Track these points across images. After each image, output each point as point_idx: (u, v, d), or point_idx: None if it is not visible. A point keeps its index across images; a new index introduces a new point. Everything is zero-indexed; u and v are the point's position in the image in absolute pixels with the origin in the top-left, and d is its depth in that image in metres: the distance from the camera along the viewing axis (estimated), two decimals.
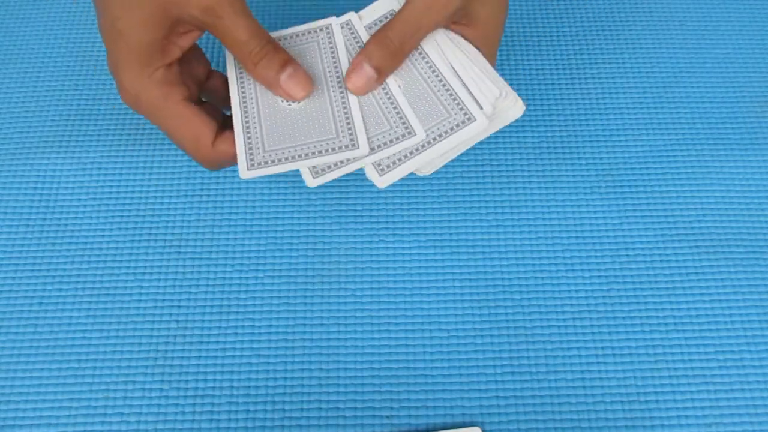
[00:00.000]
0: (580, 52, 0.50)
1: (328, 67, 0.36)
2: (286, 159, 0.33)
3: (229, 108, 0.36)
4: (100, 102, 0.48)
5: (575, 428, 0.38)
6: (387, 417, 0.39)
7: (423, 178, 0.45)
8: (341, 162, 0.34)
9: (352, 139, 0.34)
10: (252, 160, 0.34)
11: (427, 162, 0.35)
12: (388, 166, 0.34)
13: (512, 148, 0.46)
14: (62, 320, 0.41)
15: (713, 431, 0.38)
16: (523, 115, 0.47)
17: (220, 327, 0.41)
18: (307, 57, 0.37)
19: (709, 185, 0.45)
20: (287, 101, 0.35)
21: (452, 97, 0.35)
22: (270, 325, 0.41)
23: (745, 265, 0.43)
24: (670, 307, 0.41)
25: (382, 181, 0.34)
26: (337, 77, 0.36)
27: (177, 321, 0.41)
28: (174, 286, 0.42)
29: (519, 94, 0.48)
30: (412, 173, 0.35)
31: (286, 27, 0.38)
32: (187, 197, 0.45)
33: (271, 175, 0.45)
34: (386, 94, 0.35)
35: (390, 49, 0.34)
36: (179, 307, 0.42)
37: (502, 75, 0.49)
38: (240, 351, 0.40)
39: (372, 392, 0.39)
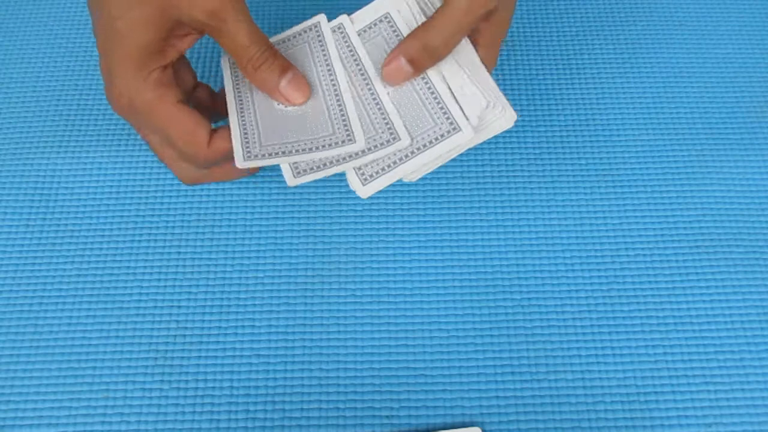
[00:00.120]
0: (580, 52, 0.50)
1: (320, 67, 0.36)
2: (284, 153, 0.34)
3: (215, 121, 0.36)
4: (101, 102, 0.48)
5: (575, 428, 0.38)
6: (387, 417, 0.39)
7: (423, 179, 0.45)
8: (329, 162, 0.34)
9: (348, 135, 0.34)
10: (249, 152, 0.34)
11: (412, 171, 0.35)
12: (371, 176, 0.34)
13: (512, 148, 0.46)
14: (62, 320, 0.41)
15: (713, 431, 0.38)
16: (523, 115, 0.48)
17: (220, 327, 0.41)
18: (300, 59, 0.37)
19: (709, 185, 0.45)
20: (284, 105, 0.35)
21: (439, 106, 0.35)
22: (270, 325, 0.41)
23: (745, 265, 0.43)
24: (670, 307, 0.41)
25: (364, 192, 0.34)
26: (330, 76, 0.36)
27: (177, 321, 0.41)
28: (174, 286, 0.42)
29: (519, 95, 0.48)
30: (398, 180, 0.35)
31: (284, 27, 0.38)
32: (187, 197, 0.45)
33: (271, 175, 0.45)
34: (374, 99, 0.35)
35: (429, 47, 0.34)
36: (179, 307, 0.42)
37: (502, 75, 0.49)
38: (240, 351, 0.40)
39: (372, 392, 0.39)
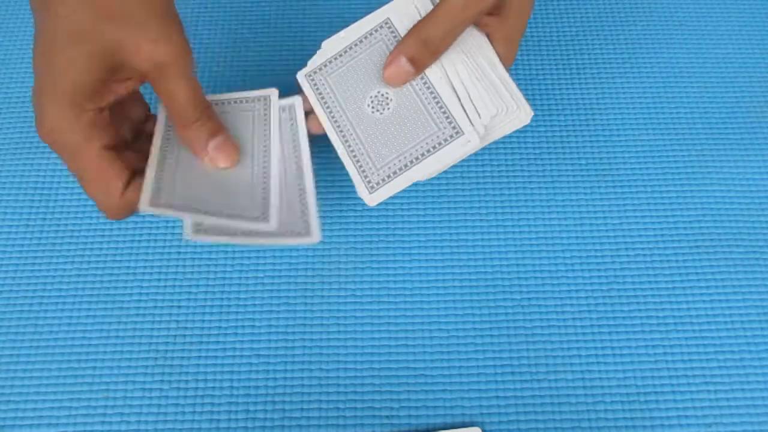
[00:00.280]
0: (580, 52, 0.50)
1: (257, 140, 0.36)
2: (194, 210, 0.33)
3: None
4: None
5: (575, 428, 0.38)
6: (387, 417, 0.39)
7: None
8: (235, 232, 0.33)
9: (264, 213, 0.34)
10: (158, 198, 0.33)
11: (418, 177, 0.35)
12: (377, 183, 0.34)
13: (512, 148, 0.46)
14: (62, 320, 0.41)
15: (713, 431, 0.38)
16: None
17: (220, 327, 0.41)
18: (240, 125, 0.36)
19: (709, 185, 0.45)
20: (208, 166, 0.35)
21: (442, 110, 0.35)
22: (270, 325, 0.41)
23: (745, 265, 0.43)
24: (670, 307, 0.41)
25: (371, 199, 0.34)
26: (264, 152, 0.36)
27: (177, 321, 0.41)
28: (174, 286, 0.42)
29: (519, 87, 0.48)
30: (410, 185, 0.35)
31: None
32: None
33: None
34: (300, 188, 0.35)
35: (427, 43, 0.34)
36: (179, 307, 0.42)
37: None
38: (240, 351, 0.40)
39: (372, 392, 0.39)
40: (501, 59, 0.36)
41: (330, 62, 0.37)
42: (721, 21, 0.51)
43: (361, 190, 0.35)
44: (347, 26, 0.37)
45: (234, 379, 0.40)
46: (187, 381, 0.40)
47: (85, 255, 0.43)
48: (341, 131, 0.36)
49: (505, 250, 0.43)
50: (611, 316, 0.41)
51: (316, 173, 0.37)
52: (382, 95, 0.36)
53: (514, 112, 0.35)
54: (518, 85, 0.48)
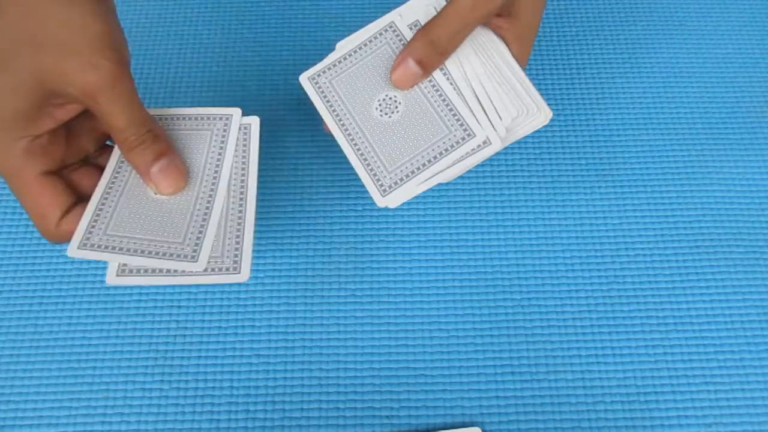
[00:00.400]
0: (580, 52, 0.50)
1: (210, 160, 0.35)
2: (119, 250, 0.32)
3: None
4: None
5: (575, 428, 0.38)
6: (387, 417, 0.39)
7: None
8: (161, 271, 0.32)
9: (195, 251, 0.32)
10: (87, 240, 0.32)
11: (426, 179, 0.35)
12: (390, 186, 0.34)
13: (512, 148, 0.46)
14: (62, 320, 0.41)
15: (713, 431, 0.38)
16: None
17: (220, 327, 0.41)
18: (195, 144, 0.35)
19: (709, 185, 0.45)
20: (155, 192, 0.34)
21: (452, 113, 0.34)
22: (270, 325, 0.41)
23: (745, 265, 0.43)
24: (670, 307, 0.41)
25: (385, 202, 0.34)
26: (214, 175, 0.34)
27: (177, 321, 0.41)
28: (174, 285, 0.42)
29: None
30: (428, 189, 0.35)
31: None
32: None
33: (271, 175, 0.45)
34: (239, 219, 0.34)
35: (435, 44, 0.34)
36: (179, 307, 0.42)
37: None
38: (240, 351, 0.40)
39: (372, 392, 0.39)
40: (516, 59, 0.36)
41: (335, 65, 0.37)
42: (721, 21, 0.51)
43: (374, 193, 0.35)
44: (347, 26, 0.37)
45: (234, 379, 0.40)
46: (187, 381, 0.40)
47: None
48: (350, 135, 0.36)
49: (505, 250, 0.43)
50: (611, 316, 0.41)
51: (260, 205, 0.35)
52: (391, 98, 0.36)
53: (534, 114, 0.34)
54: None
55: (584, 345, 0.40)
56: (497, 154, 0.46)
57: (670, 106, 0.48)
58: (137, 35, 0.50)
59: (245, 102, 0.48)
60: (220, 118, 0.36)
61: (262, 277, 0.42)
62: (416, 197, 0.45)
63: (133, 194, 0.34)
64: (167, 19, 0.51)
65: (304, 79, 0.38)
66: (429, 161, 0.34)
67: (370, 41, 0.37)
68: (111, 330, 0.41)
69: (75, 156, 0.34)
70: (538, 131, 0.47)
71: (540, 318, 0.41)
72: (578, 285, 0.42)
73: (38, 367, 0.40)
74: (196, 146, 0.35)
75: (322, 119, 0.37)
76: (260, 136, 0.36)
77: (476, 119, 0.34)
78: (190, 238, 0.33)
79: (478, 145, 0.34)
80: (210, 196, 0.34)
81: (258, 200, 0.35)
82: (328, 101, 0.36)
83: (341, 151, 0.36)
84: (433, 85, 0.35)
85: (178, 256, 0.32)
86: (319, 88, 0.37)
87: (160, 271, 0.32)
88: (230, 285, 0.42)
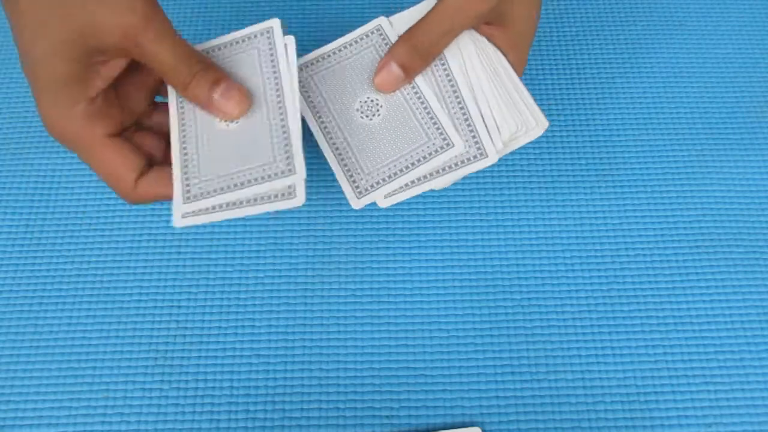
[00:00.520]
0: (580, 52, 0.50)
1: (267, 78, 0.34)
2: (220, 189, 0.32)
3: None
4: None
5: (575, 428, 0.38)
6: (387, 417, 0.39)
7: None
8: (261, 198, 0.32)
9: (288, 164, 0.32)
10: (189, 193, 0.32)
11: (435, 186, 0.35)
12: (366, 189, 0.34)
13: None
14: (62, 320, 0.41)
15: (713, 431, 0.38)
16: None
17: (220, 327, 0.41)
18: (244, 67, 0.34)
19: (709, 185, 0.45)
20: (225, 122, 0.33)
21: (432, 121, 0.34)
22: (270, 325, 0.41)
23: (745, 265, 0.43)
24: (670, 307, 0.41)
25: (358, 204, 0.34)
26: (276, 91, 0.33)
27: (177, 321, 0.41)
28: (174, 286, 0.42)
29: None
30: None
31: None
32: None
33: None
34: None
35: (418, 48, 0.33)
36: (179, 307, 0.42)
37: None
38: (240, 351, 0.40)
39: (372, 392, 0.39)
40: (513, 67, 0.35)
41: (317, 61, 0.37)
42: (721, 21, 0.51)
43: (350, 195, 0.34)
44: (347, 27, 0.37)
45: (234, 379, 0.40)
46: (187, 381, 0.40)
47: (85, 255, 0.43)
48: (329, 133, 0.35)
49: (505, 250, 0.43)
50: (611, 316, 0.41)
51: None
52: (373, 101, 0.35)
53: (532, 128, 0.34)
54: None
55: (584, 345, 0.40)
56: None
57: (670, 106, 0.48)
58: None
59: None
60: (262, 34, 0.35)
61: (262, 277, 0.42)
62: (416, 197, 0.45)
63: (207, 136, 0.33)
64: None
65: None
66: (407, 167, 0.34)
67: (356, 42, 0.37)
68: (111, 330, 0.41)
69: (129, 118, 0.33)
70: None
71: (540, 318, 0.41)
72: (578, 285, 0.42)
73: (38, 367, 0.40)
74: (247, 68, 0.34)
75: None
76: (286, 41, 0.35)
77: (488, 134, 0.34)
78: (279, 154, 0.32)
79: (474, 157, 0.34)
80: (280, 108, 0.33)
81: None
82: (308, 96, 0.36)
83: None
84: (416, 92, 0.35)
85: (275, 174, 0.32)
86: (300, 82, 0.36)
87: (262, 198, 0.32)
88: (230, 285, 0.42)
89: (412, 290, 0.42)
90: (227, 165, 0.32)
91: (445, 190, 0.45)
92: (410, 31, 0.34)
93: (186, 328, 0.41)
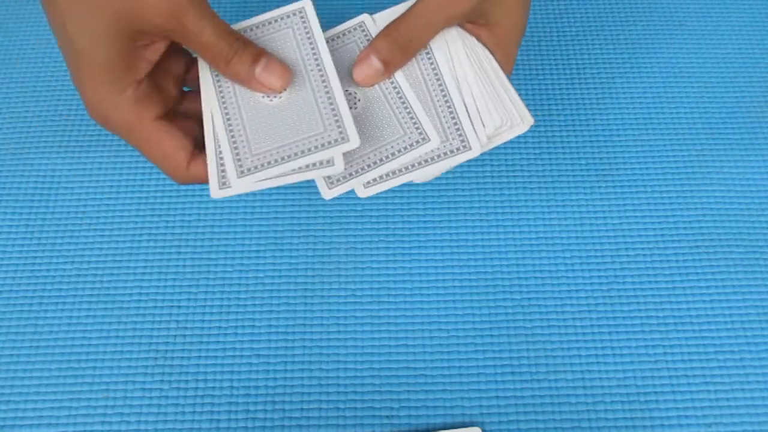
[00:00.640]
0: (580, 52, 0.50)
1: (306, 54, 0.35)
2: (273, 161, 0.32)
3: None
4: None
5: (575, 428, 0.38)
6: (387, 417, 0.39)
7: None
8: (313, 164, 0.32)
9: (341, 132, 0.32)
10: (241, 166, 0.32)
11: (421, 177, 0.35)
12: (338, 180, 0.34)
13: (512, 148, 0.46)
14: (62, 320, 0.41)
15: (713, 431, 0.38)
16: None
17: (220, 327, 0.41)
18: (281, 45, 0.35)
19: (709, 185, 0.45)
20: (269, 97, 0.34)
21: (410, 115, 0.34)
22: (270, 325, 0.41)
23: (745, 265, 0.43)
24: (670, 307, 0.41)
25: (329, 194, 0.34)
26: (317, 64, 0.34)
27: (177, 321, 0.41)
28: (174, 286, 0.42)
29: (519, 95, 0.48)
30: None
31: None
32: (187, 197, 0.45)
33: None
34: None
35: (398, 43, 0.33)
36: (179, 307, 0.42)
37: None
38: (240, 351, 0.40)
39: (372, 392, 0.39)
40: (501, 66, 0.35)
41: None
42: (721, 21, 0.51)
43: (322, 187, 0.34)
44: (331, 24, 0.37)
45: (234, 379, 0.40)
46: (187, 381, 0.40)
47: (85, 255, 0.43)
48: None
49: (505, 250, 0.43)
50: (611, 316, 0.41)
51: None
52: (351, 94, 0.35)
53: (516, 124, 0.34)
54: (518, 87, 0.49)
55: (584, 345, 0.40)
56: (497, 154, 0.46)
57: (670, 106, 0.48)
58: None
59: None
60: (294, 14, 0.36)
61: (262, 277, 0.42)
62: (416, 197, 0.45)
63: (251, 113, 0.34)
64: None
65: None
66: (381, 160, 0.34)
67: (338, 37, 0.37)
68: (111, 330, 0.41)
69: (169, 102, 0.34)
70: (538, 131, 0.47)
71: (540, 318, 0.41)
72: (578, 285, 0.42)
73: (38, 367, 0.40)
74: (284, 45, 0.35)
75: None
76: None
77: (472, 127, 0.34)
78: (329, 124, 0.33)
79: (457, 149, 0.34)
80: (323, 80, 0.34)
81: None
82: None
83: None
84: (395, 87, 0.35)
85: (329, 143, 0.32)
86: None
87: (313, 165, 0.32)
88: (230, 285, 0.42)
89: (412, 290, 0.42)
90: (277, 138, 0.33)
91: (445, 190, 0.45)
92: (391, 25, 0.34)
93: (186, 328, 0.41)
